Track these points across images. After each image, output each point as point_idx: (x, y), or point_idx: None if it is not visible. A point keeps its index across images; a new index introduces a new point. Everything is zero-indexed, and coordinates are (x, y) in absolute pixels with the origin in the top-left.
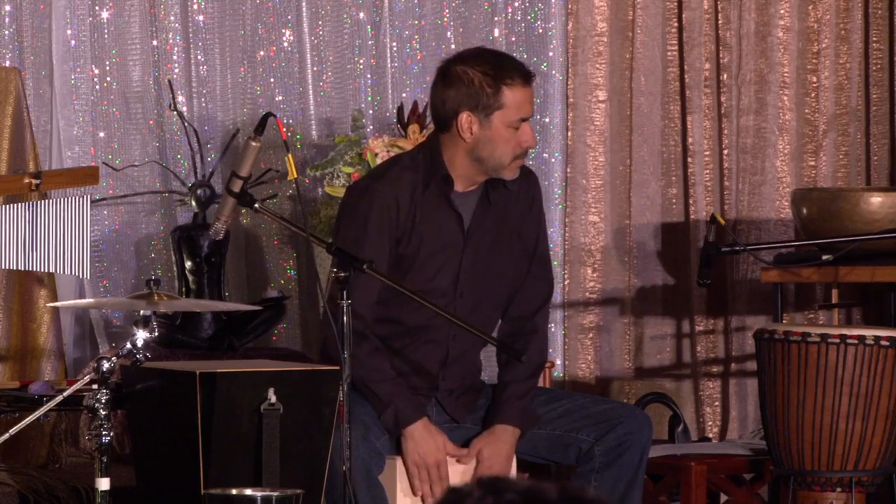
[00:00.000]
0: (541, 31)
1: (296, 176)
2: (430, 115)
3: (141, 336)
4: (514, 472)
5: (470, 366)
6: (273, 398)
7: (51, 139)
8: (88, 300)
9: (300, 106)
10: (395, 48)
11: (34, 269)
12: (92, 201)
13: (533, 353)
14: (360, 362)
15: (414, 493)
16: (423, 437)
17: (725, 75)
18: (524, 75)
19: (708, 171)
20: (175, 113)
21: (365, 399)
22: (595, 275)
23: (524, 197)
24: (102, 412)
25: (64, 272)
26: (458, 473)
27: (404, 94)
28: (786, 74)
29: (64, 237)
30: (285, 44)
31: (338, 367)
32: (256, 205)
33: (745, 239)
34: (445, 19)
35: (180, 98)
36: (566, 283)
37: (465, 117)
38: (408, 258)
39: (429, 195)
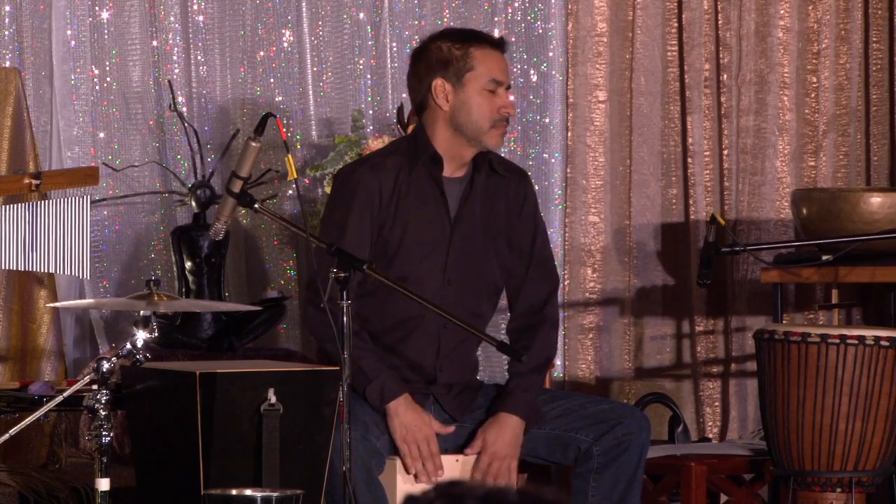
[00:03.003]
0: (541, 31)
1: (296, 176)
2: (411, 104)
3: (141, 336)
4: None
5: (466, 361)
6: (273, 398)
7: (51, 139)
8: (88, 300)
9: (300, 106)
10: (395, 48)
11: (34, 270)
12: (92, 201)
13: (539, 347)
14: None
15: (407, 472)
16: (406, 411)
17: (725, 75)
18: (493, 41)
19: (708, 172)
20: (175, 113)
21: (365, 399)
22: (595, 275)
23: (514, 196)
24: (102, 412)
25: (64, 272)
26: (467, 463)
27: (404, 95)
28: (786, 75)
29: (64, 237)
30: (285, 44)
31: (338, 368)
32: (256, 205)
33: (745, 239)
34: (445, 19)
35: (180, 98)
36: (566, 283)
37: (438, 84)
38: (393, 243)
39: (415, 178)
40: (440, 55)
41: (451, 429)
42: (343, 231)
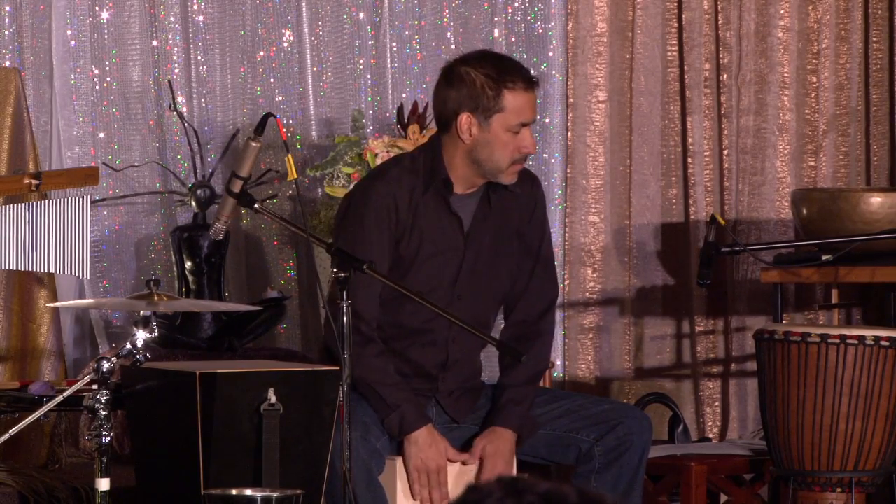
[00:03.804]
0: (541, 31)
1: (296, 176)
2: (433, 115)
3: (141, 336)
4: (513, 473)
5: (470, 367)
6: (273, 398)
7: (51, 139)
8: (88, 300)
9: (300, 106)
10: (395, 48)
11: (34, 269)
12: (92, 201)
13: (533, 358)
14: (366, 364)
15: (413, 498)
16: (426, 442)
17: (725, 75)
18: (527, 80)
19: (708, 172)
20: (175, 113)
21: (366, 399)
22: (595, 275)
23: (526, 201)
24: (102, 412)
25: (64, 272)
26: (462, 474)
27: (404, 95)
28: (786, 74)
29: (64, 237)
30: (285, 44)
31: (338, 368)
32: (256, 205)
33: (745, 239)
34: (445, 19)
35: (180, 98)
36: (566, 283)
37: (464, 118)
38: (407, 259)
39: (428, 198)
40: (473, 91)
41: (465, 457)
42: (362, 246)
